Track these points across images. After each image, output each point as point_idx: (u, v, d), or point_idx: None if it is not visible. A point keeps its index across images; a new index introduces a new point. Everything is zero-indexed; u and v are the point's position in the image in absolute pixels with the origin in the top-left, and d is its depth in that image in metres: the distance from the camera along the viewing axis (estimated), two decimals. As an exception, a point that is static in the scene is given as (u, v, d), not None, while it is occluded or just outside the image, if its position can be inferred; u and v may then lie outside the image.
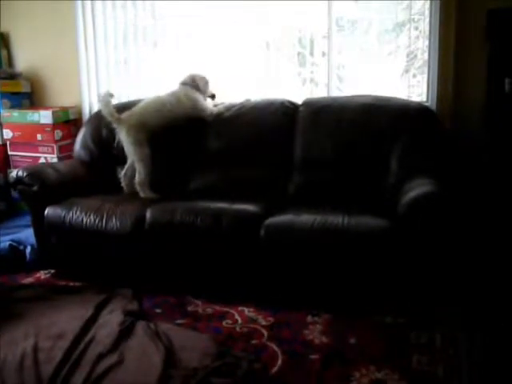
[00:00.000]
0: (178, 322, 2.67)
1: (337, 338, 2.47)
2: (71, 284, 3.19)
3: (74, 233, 3.18)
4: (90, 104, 4.24)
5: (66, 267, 3.35)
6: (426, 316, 2.62)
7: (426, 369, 2.23)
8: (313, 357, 2.32)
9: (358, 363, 2.26)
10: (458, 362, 2.27)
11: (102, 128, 3.80)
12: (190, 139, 3.58)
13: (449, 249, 2.69)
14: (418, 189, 2.67)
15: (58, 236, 3.28)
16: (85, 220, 3.13)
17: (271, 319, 2.66)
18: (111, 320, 2.63)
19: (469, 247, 2.96)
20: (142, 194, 3.37)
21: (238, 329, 2.58)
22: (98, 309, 2.75)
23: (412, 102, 3.42)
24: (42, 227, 3.30)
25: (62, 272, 3.34)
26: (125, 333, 2.50)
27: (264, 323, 2.63)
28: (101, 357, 2.30)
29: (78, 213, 3.17)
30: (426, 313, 2.63)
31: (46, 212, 3.25)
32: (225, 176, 3.44)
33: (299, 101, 3.53)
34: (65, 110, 4.20)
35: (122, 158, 3.60)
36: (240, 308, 2.78)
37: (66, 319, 2.66)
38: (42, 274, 3.37)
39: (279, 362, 2.28)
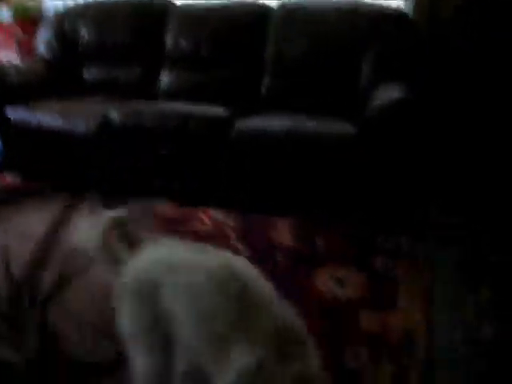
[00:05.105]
0: (147, 224, 2.69)
1: (304, 241, 2.54)
2: (38, 187, 3.16)
3: (39, 135, 3.12)
4: (52, -1, 4.01)
5: (33, 170, 3.30)
6: (393, 222, 2.69)
7: (388, 269, 2.32)
8: (279, 257, 2.39)
9: (324, 264, 2.34)
10: (421, 265, 2.37)
11: (65, 24, 3.63)
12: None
13: (415, 155, 2.72)
14: (387, 94, 2.66)
15: (23, 138, 3.21)
16: (50, 121, 3.06)
17: (239, 222, 2.71)
18: (79, 222, 2.64)
19: (436, 153, 3.00)
20: None
21: (206, 230, 2.63)
22: (66, 212, 2.76)
23: (389, 7, 3.31)
24: (6, 130, 3.21)
25: (28, 175, 3.30)
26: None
27: (232, 225, 2.67)
28: (70, 257, 2.32)
29: (42, 114, 3.09)
30: (393, 219, 2.70)
31: (9, 113, 3.15)
32: (193, 77, 3.36)
33: (274, 5, 3.40)
34: (24, 6, 3.96)
35: (87, 57, 3.47)
36: (208, 211, 2.82)
37: (34, 221, 2.67)
38: (9, 177, 3.32)
39: (246, 261, 2.35)
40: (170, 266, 1.29)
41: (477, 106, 2.99)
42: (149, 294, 1.28)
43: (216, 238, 2.56)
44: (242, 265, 1.28)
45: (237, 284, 1.21)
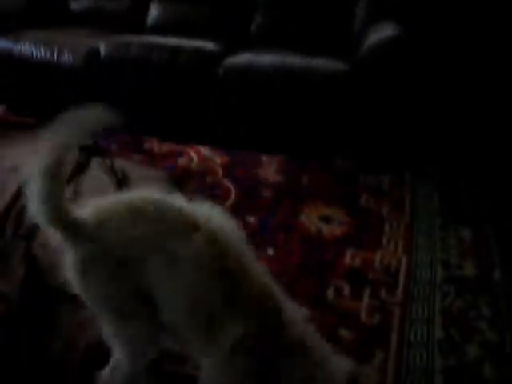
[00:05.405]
0: (134, 159, 2.67)
1: (290, 178, 2.54)
2: (24, 120, 3.10)
3: (24, 67, 3.03)
4: None
5: (19, 103, 3.23)
6: (376, 160, 2.68)
7: (373, 207, 2.34)
8: (265, 193, 2.40)
9: (309, 200, 2.35)
10: (403, 202, 2.39)
11: None
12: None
13: (405, 96, 2.68)
14: (380, 33, 2.60)
15: (6, 70, 3.12)
16: (34, 53, 2.97)
17: (226, 158, 2.69)
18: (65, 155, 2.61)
19: (427, 96, 2.96)
20: None
21: (193, 166, 2.62)
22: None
23: None
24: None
25: (14, 107, 3.23)
26: (80, 167, 2.49)
27: (219, 162, 2.66)
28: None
29: (26, 45, 3.00)
30: (377, 157, 2.69)
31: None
32: (183, 11, 3.26)
33: None
34: None
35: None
36: (196, 147, 2.80)
37: (19, 153, 2.63)
38: (-6, 109, 3.26)
39: (233, 196, 2.35)
40: (147, 242, 1.14)
41: (476, 53, 2.92)
42: (131, 267, 1.15)
43: (203, 174, 2.54)
44: (220, 230, 1.13)
45: (218, 262, 1.10)
